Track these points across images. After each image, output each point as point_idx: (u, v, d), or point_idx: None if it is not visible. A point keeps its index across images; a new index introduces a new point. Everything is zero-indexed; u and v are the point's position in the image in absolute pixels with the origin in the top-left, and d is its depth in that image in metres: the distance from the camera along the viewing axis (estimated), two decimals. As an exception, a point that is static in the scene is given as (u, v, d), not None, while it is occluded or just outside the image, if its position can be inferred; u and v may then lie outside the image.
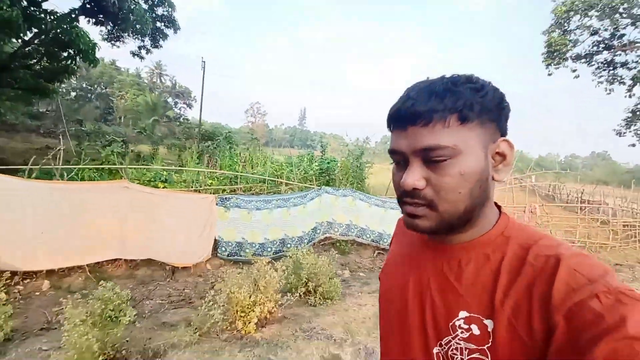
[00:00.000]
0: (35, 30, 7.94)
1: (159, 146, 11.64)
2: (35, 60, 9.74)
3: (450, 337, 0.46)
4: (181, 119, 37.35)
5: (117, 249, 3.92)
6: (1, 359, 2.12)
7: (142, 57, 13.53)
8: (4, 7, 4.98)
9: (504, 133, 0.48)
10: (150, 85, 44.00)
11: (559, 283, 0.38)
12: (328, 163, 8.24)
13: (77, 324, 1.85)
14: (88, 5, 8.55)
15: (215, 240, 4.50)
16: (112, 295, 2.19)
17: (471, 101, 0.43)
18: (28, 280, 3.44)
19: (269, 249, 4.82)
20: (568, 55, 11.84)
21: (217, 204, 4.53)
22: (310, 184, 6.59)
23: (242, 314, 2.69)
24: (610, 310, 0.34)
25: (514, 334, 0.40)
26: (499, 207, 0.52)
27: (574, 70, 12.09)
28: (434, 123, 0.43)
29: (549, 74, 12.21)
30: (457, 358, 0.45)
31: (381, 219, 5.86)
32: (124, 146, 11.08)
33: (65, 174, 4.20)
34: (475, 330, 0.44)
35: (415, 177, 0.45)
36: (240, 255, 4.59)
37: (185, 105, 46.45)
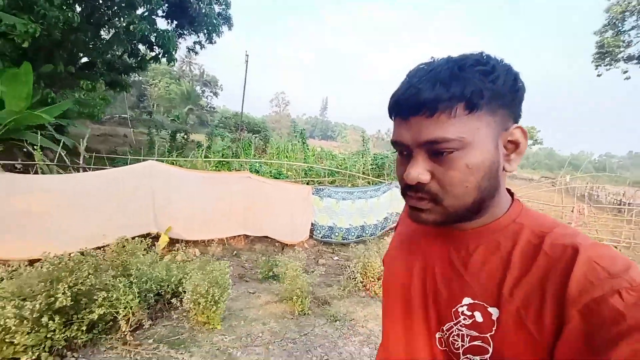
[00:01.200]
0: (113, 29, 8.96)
1: (213, 136, 12.71)
2: (113, 56, 10.84)
3: (452, 323, 0.46)
4: (207, 107, 38.68)
5: (242, 227, 4.89)
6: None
7: (196, 52, 14.52)
8: (136, 21, 5.94)
9: (517, 118, 0.45)
10: (180, 74, 45.34)
11: (577, 275, 0.36)
12: (382, 159, 9.01)
13: (298, 272, 2.76)
14: (170, 9, 9.49)
15: (311, 224, 5.41)
16: (301, 257, 3.10)
17: (480, 87, 0.40)
18: (185, 248, 4.45)
19: (353, 234, 5.69)
20: (620, 56, 11.87)
21: (312, 194, 5.41)
22: (371, 178, 7.40)
23: (372, 280, 3.57)
24: (633, 309, 0.33)
25: (521, 325, 0.39)
26: (511, 193, 0.51)
27: (625, 72, 12.11)
28: (439, 113, 0.40)
29: (599, 75, 12.29)
30: (457, 344, 0.45)
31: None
32: (185, 136, 12.23)
33: (203, 164, 5.17)
34: (479, 317, 0.43)
35: (419, 170, 0.43)
36: (331, 238, 5.49)
37: (212, 94, 47.68)
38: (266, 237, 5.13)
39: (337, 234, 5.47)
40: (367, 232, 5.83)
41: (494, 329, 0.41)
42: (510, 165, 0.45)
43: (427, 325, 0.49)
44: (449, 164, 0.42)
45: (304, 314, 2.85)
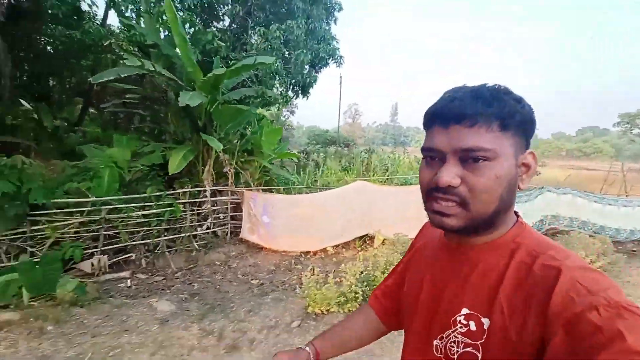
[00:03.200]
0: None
1: (327, 155, 14.84)
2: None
3: (450, 331, 0.53)
4: (286, 126, 42.72)
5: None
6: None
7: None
8: (307, 79, 8.06)
9: (529, 146, 0.54)
10: (262, 98, 50.83)
11: (559, 293, 0.42)
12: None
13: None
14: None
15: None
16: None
17: (514, 111, 0.49)
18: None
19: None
20: None
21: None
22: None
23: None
24: (610, 324, 0.36)
25: (506, 336, 0.46)
26: (517, 214, 0.57)
27: None
28: (478, 125, 0.48)
29: None
30: (453, 350, 0.52)
31: (601, 213, 6.89)
32: (306, 156, 14.56)
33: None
34: (473, 326, 0.50)
35: (451, 174, 0.49)
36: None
37: (288, 113, 52.14)
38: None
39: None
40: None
41: (484, 337, 0.48)
42: (523, 184, 0.53)
43: (428, 333, 0.57)
44: (481, 172, 0.49)
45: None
